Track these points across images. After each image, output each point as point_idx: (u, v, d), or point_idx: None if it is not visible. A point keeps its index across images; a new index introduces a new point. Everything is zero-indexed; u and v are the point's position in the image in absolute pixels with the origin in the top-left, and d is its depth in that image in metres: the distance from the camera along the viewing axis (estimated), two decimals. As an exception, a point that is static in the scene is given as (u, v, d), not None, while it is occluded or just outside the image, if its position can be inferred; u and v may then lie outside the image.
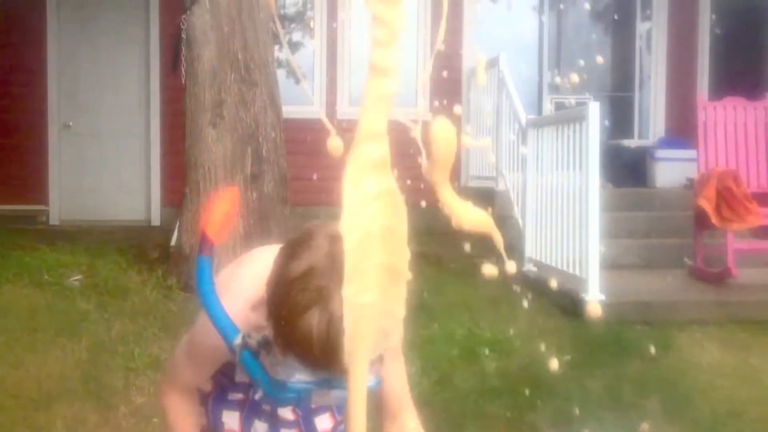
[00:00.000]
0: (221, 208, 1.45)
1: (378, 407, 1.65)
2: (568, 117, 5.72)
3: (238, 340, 1.43)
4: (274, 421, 1.77)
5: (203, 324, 1.48)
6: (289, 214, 6.01)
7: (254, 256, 1.56)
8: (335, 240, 1.25)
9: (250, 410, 1.77)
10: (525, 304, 5.63)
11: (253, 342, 1.46)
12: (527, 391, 4.30)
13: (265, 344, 1.46)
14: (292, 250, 1.30)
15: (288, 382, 1.40)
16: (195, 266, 1.44)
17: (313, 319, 1.23)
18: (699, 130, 6.23)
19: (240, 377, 1.71)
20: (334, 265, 1.23)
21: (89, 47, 8.32)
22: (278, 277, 1.29)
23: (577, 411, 4.13)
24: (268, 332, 1.36)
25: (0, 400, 4.00)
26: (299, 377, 1.38)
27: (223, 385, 1.72)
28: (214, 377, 1.73)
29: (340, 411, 1.76)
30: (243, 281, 1.51)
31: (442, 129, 1.09)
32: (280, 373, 1.41)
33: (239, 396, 1.76)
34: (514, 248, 6.49)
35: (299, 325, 1.24)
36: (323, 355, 1.25)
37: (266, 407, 1.76)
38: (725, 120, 6.28)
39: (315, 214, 7.75)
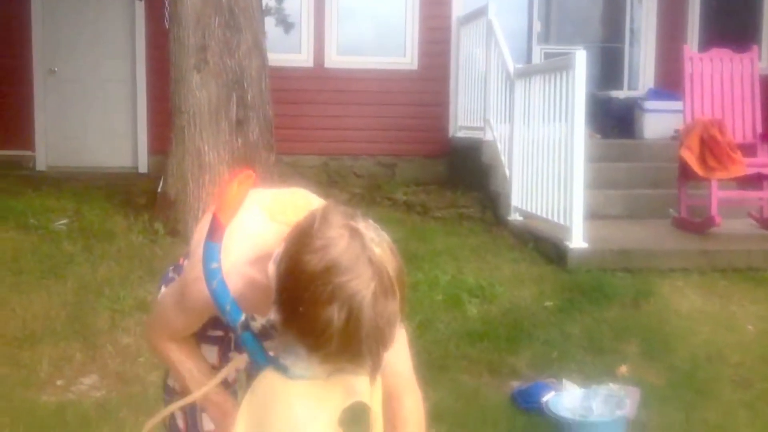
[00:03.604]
0: (235, 193, 1.40)
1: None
2: (555, 66, 5.69)
3: (240, 322, 1.45)
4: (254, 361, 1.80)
5: (197, 277, 1.46)
6: (275, 161, 6.02)
7: (247, 210, 1.50)
8: (354, 232, 1.27)
9: (229, 345, 1.79)
10: (509, 252, 5.69)
11: (256, 325, 1.48)
12: (508, 335, 4.38)
13: (269, 329, 1.47)
14: (307, 240, 1.28)
15: (289, 368, 1.41)
16: (205, 250, 1.41)
17: (333, 314, 1.24)
18: (685, 81, 6.22)
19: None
20: (356, 260, 1.25)
21: (74, -8, 8.21)
22: (294, 269, 1.27)
23: (556, 354, 4.21)
24: (274, 317, 1.35)
25: (-16, 339, 4.04)
26: (303, 365, 1.39)
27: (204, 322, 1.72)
28: None
29: None
30: (241, 236, 1.48)
31: None
32: (285, 359, 1.42)
33: (219, 333, 1.78)
34: (501, 197, 6.53)
35: (318, 320, 1.25)
36: (340, 349, 1.27)
37: None
38: (711, 71, 6.26)
39: (301, 163, 7.78)
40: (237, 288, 1.45)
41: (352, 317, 1.24)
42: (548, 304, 4.74)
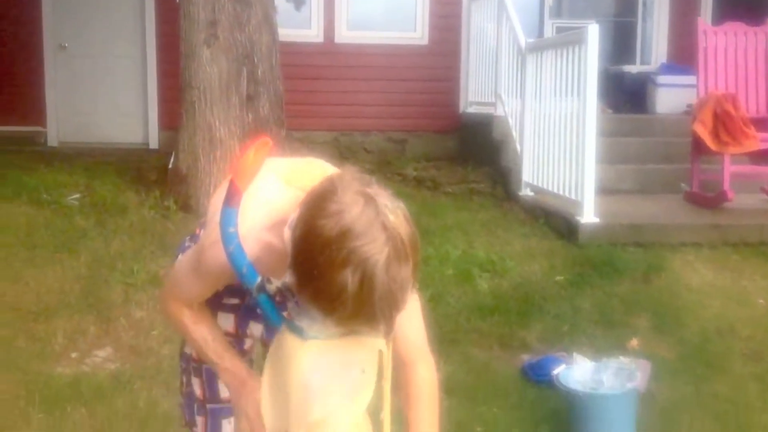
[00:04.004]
0: (252, 159, 1.43)
1: (393, 355, 1.60)
2: (568, 40, 5.65)
3: (256, 284, 1.47)
4: (269, 322, 1.82)
5: (214, 242, 1.48)
6: (285, 137, 6.01)
7: (263, 177, 1.52)
8: (368, 198, 1.29)
9: (245, 313, 1.81)
10: (520, 227, 5.68)
11: (272, 288, 1.51)
12: (519, 309, 4.39)
13: (284, 291, 1.50)
14: (323, 206, 1.29)
15: (304, 330, 1.45)
16: (222, 215, 1.44)
17: (347, 278, 1.25)
18: (699, 54, 6.17)
19: (236, 283, 1.73)
20: (370, 226, 1.27)
21: (84, -33, 8.18)
22: (309, 233, 1.29)
23: (567, 328, 4.22)
24: (288, 280, 1.37)
25: (0, 313, 4.07)
26: (317, 327, 1.42)
27: (218, 290, 1.73)
28: None
29: None
30: (257, 202, 1.50)
31: None
32: (300, 321, 1.46)
33: (235, 300, 1.80)
34: (512, 173, 6.51)
35: (333, 283, 1.26)
36: (354, 313, 1.29)
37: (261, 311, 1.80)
38: (725, 45, 6.21)
39: (311, 138, 7.74)
40: (253, 252, 1.47)
41: (366, 281, 1.26)
42: (559, 278, 4.75)
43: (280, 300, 1.58)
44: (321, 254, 1.27)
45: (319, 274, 1.27)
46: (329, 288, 1.27)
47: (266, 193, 1.52)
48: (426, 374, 1.67)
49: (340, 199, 1.29)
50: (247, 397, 1.60)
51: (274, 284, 1.55)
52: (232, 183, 1.43)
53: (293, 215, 1.37)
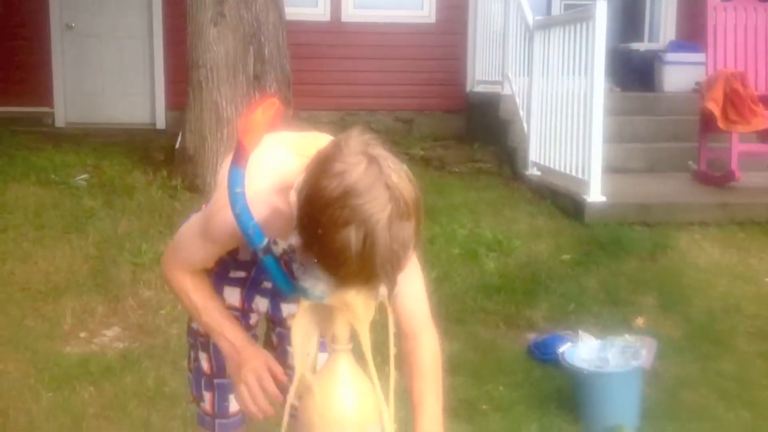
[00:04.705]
0: (259, 119, 1.43)
1: (396, 325, 1.60)
2: (575, 17, 5.61)
3: (263, 245, 1.48)
4: (274, 296, 1.83)
5: (223, 206, 1.49)
6: (292, 116, 6.00)
7: (271, 147, 1.54)
8: (372, 159, 1.30)
9: (251, 287, 1.82)
10: (527, 206, 5.68)
11: (277, 249, 1.52)
12: (525, 288, 4.40)
13: (289, 252, 1.51)
14: (327, 167, 1.31)
15: (309, 290, 1.46)
16: (230, 175, 1.45)
17: (351, 236, 1.27)
18: (708, 31, 6.11)
19: (243, 256, 1.74)
20: (373, 185, 1.28)
21: (89, -54, 8.15)
22: (313, 193, 1.31)
23: (573, 307, 4.23)
24: (294, 241, 1.40)
25: (10, 292, 4.11)
26: (322, 288, 1.43)
27: (226, 262, 1.75)
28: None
29: None
30: (266, 169, 1.52)
31: None
32: (305, 281, 1.47)
33: (241, 274, 1.81)
34: (518, 152, 6.50)
35: (336, 241, 1.28)
36: (357, 271, 1.30)
37: (267, 285, 1.81)
38: (735, 21, 6.15)
39: (317, 118, 7.68)
40: (262, 215, 1.48)
41: (368, 239, 1.27)
42: (565, 257, 4.75)
43: (285, 267, 1.59)
44: (324, 213, 1.28)
45: (323, 233, 1.29)
46: (332, 246, 1.29)
47: (274, 160, 1.54)
48: (429, 346, 1.66)
49: (344, 159, 1.31)
50: (246, 365, 1.61)
51: (280, 246, 1.56)
52: (239, 142, 1.44)
53: (299, 178, 1.39)
